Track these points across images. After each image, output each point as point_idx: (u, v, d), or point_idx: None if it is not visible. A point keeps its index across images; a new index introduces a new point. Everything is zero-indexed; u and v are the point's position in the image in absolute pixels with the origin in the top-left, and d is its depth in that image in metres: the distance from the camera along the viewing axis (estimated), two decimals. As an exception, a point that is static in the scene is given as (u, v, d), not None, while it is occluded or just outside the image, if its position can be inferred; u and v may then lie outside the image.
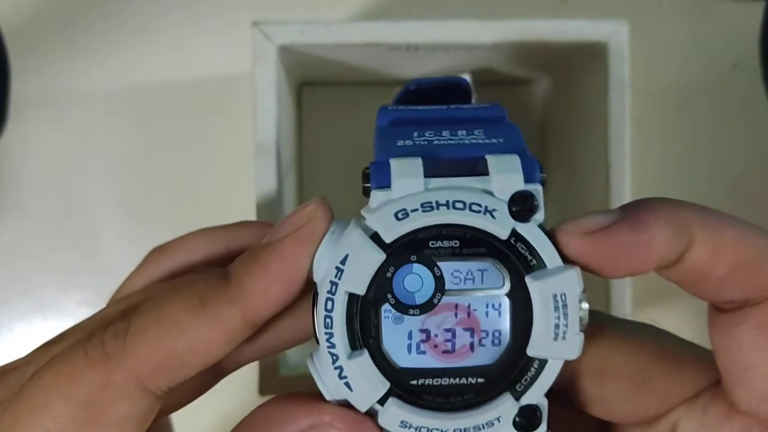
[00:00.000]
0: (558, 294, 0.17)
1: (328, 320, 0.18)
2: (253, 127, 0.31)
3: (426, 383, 0.18)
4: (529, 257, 0.18)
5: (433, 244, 0.18)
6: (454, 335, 0.18)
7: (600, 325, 0.19)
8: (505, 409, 0.18)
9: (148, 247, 0.24)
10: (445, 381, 0.18)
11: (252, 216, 0.31)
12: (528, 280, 0.18)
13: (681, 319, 0.42)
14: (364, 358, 0.18)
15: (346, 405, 0.18)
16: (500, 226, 0.18)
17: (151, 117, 0.43)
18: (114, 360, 0.18)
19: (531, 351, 0.18)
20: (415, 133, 0.19)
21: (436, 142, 0.19)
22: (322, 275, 0.18)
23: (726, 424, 0.18)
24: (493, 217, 0.18)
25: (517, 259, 0.18)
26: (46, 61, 0.43)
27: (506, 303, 0.18)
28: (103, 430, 0.18)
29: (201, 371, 0.19)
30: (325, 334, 0.18)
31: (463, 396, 0.18)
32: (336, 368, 0.18)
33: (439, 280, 0.18)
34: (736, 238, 0.17)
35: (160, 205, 0.43)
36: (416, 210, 0.18)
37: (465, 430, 0.18)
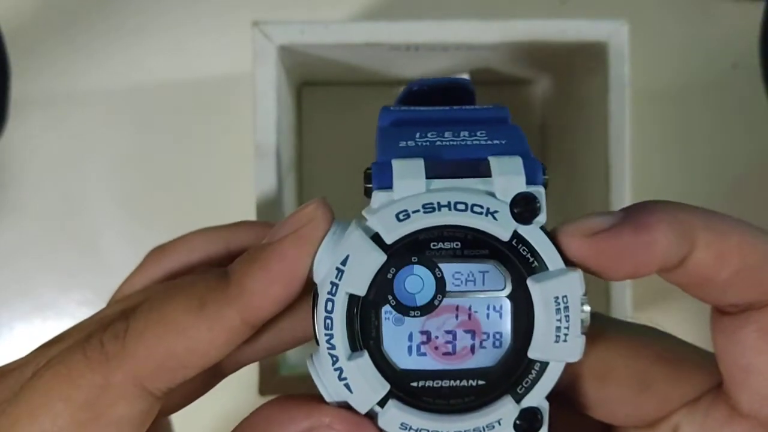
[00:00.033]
0: (560, 296, 0.17)
1: (329, 321, 0.18)
2: (253, 127, 0.31)
3: (426, 385, 0.18)
4: (531, 259, 0.18)
5: (434, 245, 0.18)
6: (454, 337, 0.18)
7: (601, 328, 0.19)
8: (505, 411, 0.18)
9: (148, 247, 0.24)
10: (446, 383, 0.18)
11: (252, 216, 0.31)
12: (529, 282, 0.18)
13: (681, 320, 0.42)
14: (364, 359, 0.18)
15: (345, 407, 0.18)
16: (502, 228, 0.18)
17: (151, 117, 0.43)
18: (113, 361, 0.18)
19: (532, 353, 0.18)
20: (418, 134, 0.19)
21: (439, 143, 0.19)
22: (322, 276, 0.18)
23: (728, 427, 0.18)
24: (494, 218, 0.17)
25: (518, 261, 0.18)
26: (46, 61, 0.43)
27: (507, 305, 0.18)
28: (102, 431, 0.18)
29: (200, 372, 0.19)
30: (325, 335, 0.18)
31: (463, 398, 0.18)
32: (336, 369, 0.18)
33: (440, 282, 0.18)
34: (740, 241, 0.17)
35: (160, 205, 0.43)
36: (418, 211, 0.17)
37: None
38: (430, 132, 0.19)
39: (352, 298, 0.18)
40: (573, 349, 0.18)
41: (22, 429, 0.18)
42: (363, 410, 0.18)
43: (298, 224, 0.18)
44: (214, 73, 0.43)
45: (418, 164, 0.18)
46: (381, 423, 0.18)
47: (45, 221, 0.43)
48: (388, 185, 0.18)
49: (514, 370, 0.18)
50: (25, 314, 0.43)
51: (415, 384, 0.18)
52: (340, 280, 0.18)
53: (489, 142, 0.19)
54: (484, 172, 0.18)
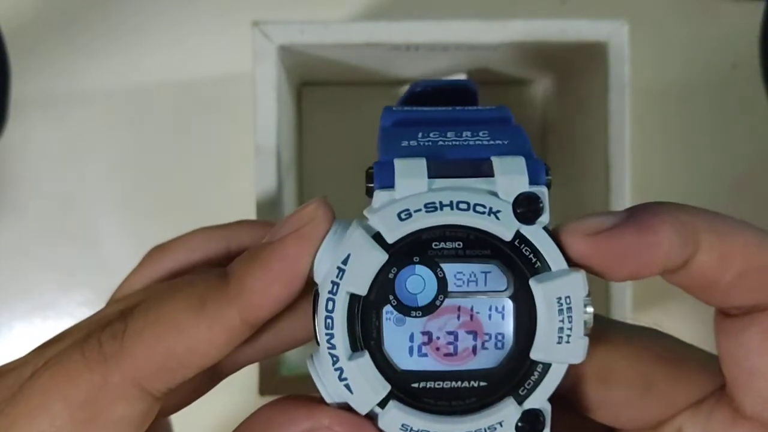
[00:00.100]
0: (563, 297, 0.17)
1: (329, 321, 0.18)
2: (253, 127, 0.31)
3: (427, 386, 0.18)
4: (534, 260, 0.18)
5: (436, 245, 0.18)
6: (456, 338, 0.18)
7: (604, 330, 0.19)
8: (507, 413, 0.18)
9: (148, 247, 0.24)
10: (447, 384, 0.18)
11: (252, 216, 0.31)
12: (532, 282, 0.17)
13: (681, 321, 0.42)
14: (365, 359, 0.18)
15: (346, 407, 0.18)
16: (504, 228, 0.17)
17: (151, 117, 0.43)
18: (111, 361, 0.18)
19: (534, 355, 0.18)
20: (420, 134, 0.19)
21: (441, 142, 0.19)
22: (323, 275, 0.18)
23: (731, 429, 0.18)
24: (497, 218, 0.17)
25: (521, 262, 0.18)
26: (46, 61, 0.43)
27: (510, 306, 0.18)
28: (100, 431, 0.18)
29: (200, 372, 0.19)
30: (326, 334, 0.18)
31: (465, 400, 0.18)
32: (336, 369, 0.18)
33: (442, 282, 0.18)
34: (743, 243, 0.17)
35: (160, 205, 0.43)
36: (419, 210, 0.17)
37: None
38: (433, 132, 0.19)
39: (353, 298, 0.18)
40: (576, 350, 0.17)
41: (20, 429, 0.18)
42: (363, 411, 0.18)
43: (298, 223, 0.18)
44: (214, 73, 0.43)
45: (421, 164, 0.18)
46: (381, 424, 0.18)
47: (45, 221, 0.43)
48: (390, 184, 0.18)
49: (516, 372, 0.18)
50: (25, 314, 0.43)
51: (416, 385, 0.18)
52: (341, 279, 0.17)
53: (492, 142, 0.19)
54: (487, 171, 0.18)
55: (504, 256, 0.18)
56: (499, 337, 0.18)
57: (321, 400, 0.18)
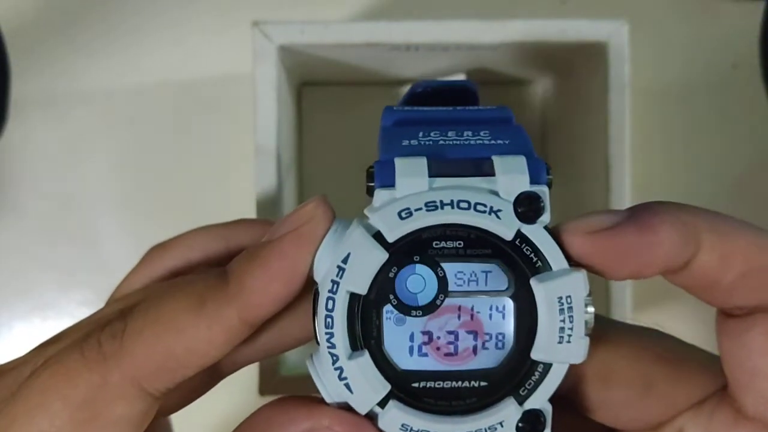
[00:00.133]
0: (563, 296, 0.17)
1: (329, 320, 0.18)
2: (253, 127, 0.31)
3: (428, 386, 0.18)
4: (534, 259, 0.18)
5: (436, 244, 0.18)
6: (456, 338, 0.18)
7: (604, 330, 0.19)
8: (508, 413, 0.18)
9: (148, 247, 0.24)
10: (447, 384, 0.18)
11: (252, 216, 0.31)
12: (533, 282, 0.17)
13: (682, 321, 0.42)
14: (365, 359, 0.18)
15: (346, 407, 0.18)
16: (505, 227, 0.17)
17: (151, 117, 0.43)
18: (111, 361, 0.18)
19: (535, 354, 0.18)
20: (421, 133, 0.19)
21: (442, 142, 0.19)
22: (323, 274, 0.18)
23: (733, 430, 0.18)
24: (498, 217, 0.17)
25: (522, 261, 0.18)
26: (46, 61, 0.43)
27: (510, 305, 0.18)
28: (100, 430, 0.18)
29: (199, 372, 0.19)
30: (326, 334, 0.18)
31: (465, 400, 0.18)
32: (336, 369, 0.18)
33: (443, 282, 0.18)
34: (745, 244, 0.17)
35: (160, 205, 0.43)
36: (420, 209, 0.17)
37: None
38: (434, 131, 0.19)
39: (353, 297, 0.18)
40: (577, 350, 0.17)
41: (20, 428, 0.18)
42: (363, 411, 0.18)
43: (298, 222, 0.18)
44: (214, 73, 0.43)
45: (421, 162, 0.18)
46: (381, 424, 0.18)
47: (45, 221, 0.43)
48: (390, 183, 0.18)
49: (516, 372, 0.18)
50: (25, 314, 0.43)
51: (416, 385, 0.18)
52: (341, 278, 0.17)
53: (492, 141, 0.19)
54: (488, 171, 0.18)
55: (505, 256, 0.18)
56: (500, 337, 0.18)
57: (321, 400, 0.18)
